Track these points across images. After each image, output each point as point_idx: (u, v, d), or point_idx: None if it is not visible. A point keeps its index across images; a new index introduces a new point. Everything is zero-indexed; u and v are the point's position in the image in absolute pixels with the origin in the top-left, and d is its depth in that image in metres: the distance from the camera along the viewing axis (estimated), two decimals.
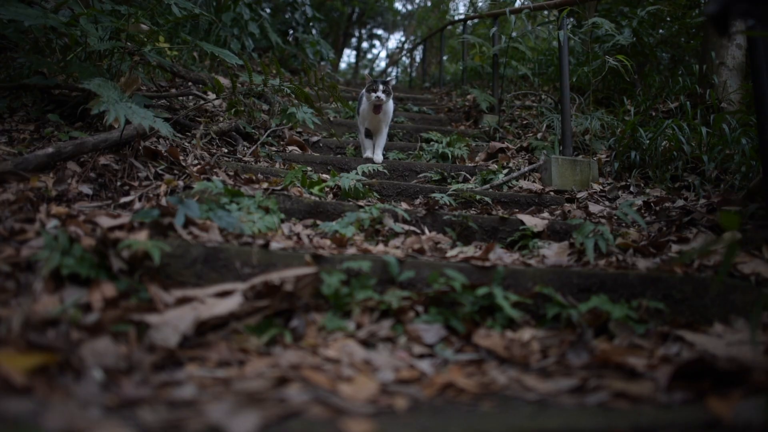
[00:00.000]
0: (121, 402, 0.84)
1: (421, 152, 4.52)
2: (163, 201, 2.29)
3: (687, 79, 4.90)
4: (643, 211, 2.87)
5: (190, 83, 4.74)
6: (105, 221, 1.78)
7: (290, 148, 4.24)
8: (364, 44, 17.78)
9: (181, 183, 2.54)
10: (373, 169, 3.32)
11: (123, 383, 0.91)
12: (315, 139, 4.61)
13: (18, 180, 2.25)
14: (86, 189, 2.41)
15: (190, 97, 4.41)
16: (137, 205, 2.30)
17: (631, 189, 3.47)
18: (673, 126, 3.62)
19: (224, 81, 4.60)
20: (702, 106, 4.15)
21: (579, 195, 3.37)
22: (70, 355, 0.97)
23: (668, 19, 5.86)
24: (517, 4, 8.98)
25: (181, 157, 2.97)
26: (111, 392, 0.86)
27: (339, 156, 4.22)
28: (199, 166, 2.91)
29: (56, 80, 3.37)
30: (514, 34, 6.66)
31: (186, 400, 0.89)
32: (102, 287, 1.40)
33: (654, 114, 4.62)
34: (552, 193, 3.40)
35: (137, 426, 0.77)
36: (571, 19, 6.18)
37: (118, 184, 2.54)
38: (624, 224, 2.64)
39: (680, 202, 2.87)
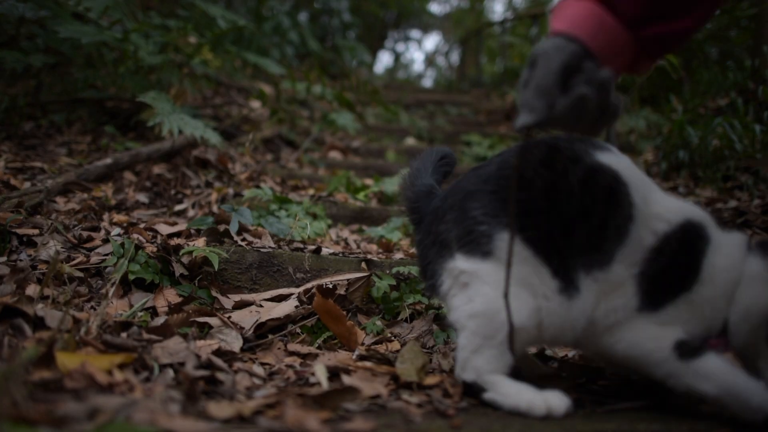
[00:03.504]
0: (195, 398, 0.90)
1: (461, 155, 4.52)
2: (215, 208, 2.38)
3: (737, 75, 4.74)
4: None
5: (233, 92, 4.89)
6: (164, 228, 1.87)
7: (331, 153, 4.31)
8: (400, 47, 17.86)
9: (230, 190, 2.63)
10: None
11: (192, 381, 0.97)
12: (356, 144, 4.67)
13: (81, 190, 2.38)
14: (142, 197, 2.52)
15: (234, 105, 4.55)
16: (190, 213, 2.40)
17: (680, 190, 3.38)
18: (724, 124, 3.51)
19: (267, 88, 4.72)
20: (754, 103, 4.01)
21: None
22: (144, 355, 1.03)
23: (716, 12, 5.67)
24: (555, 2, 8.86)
25: (229, 165, 3.07)
26: (184, 389, 0.91)
27: (380, 161, 4.26)
28: (246, 174, 3.00)
29: (109, 93, 3.54)
30: None
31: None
32: (165, 292, 1.48)
33: (703, 112, 4.48)
34: None
35: (210, 420, 0.83)
36: None
37: (172, 192, 2.65)
38: None
39: (733, 203, 2.79)
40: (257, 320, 1.31)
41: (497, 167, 1.05)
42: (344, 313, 1.40)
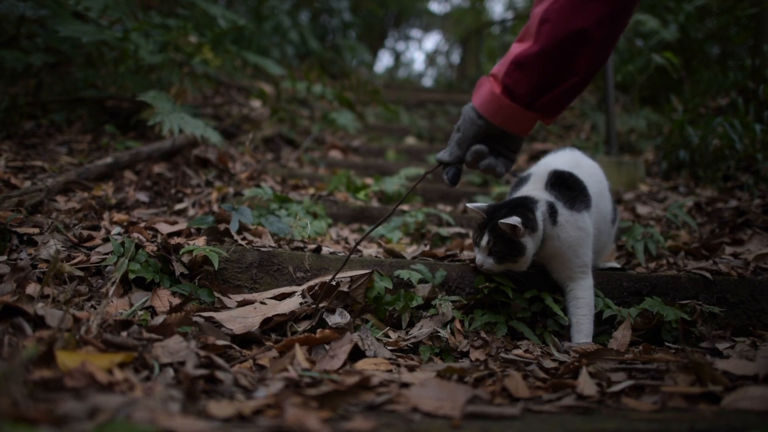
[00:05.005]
0: (195, 397, 0.89)
1: None
2: (215, 207, 2.38)
3: (738, 74, 4.74)
4: (693, 212, 2.79)
5: (233, 91, 4.88)
6: (164, 228, 1.87)
7: (332, 152, 4.31)
8: (401, 46, 17.84)
9: (231, 190, 2.63)
10: (416, 173, 3.34)
11: (192, 380, 0.97)
12: (356, 143, 4.67)
13: (81, 189, 2.37)
14: (143, 197, 2.52)
15: (234, 105, 4.54)
16: (191, 212, 2.39)
17: (680, 189, 3.38)
18: (724, 123, 3.51)
19: (267, 88, 4.72)
20: (755, 102, 4.00)
21: (626, 196, 3.31)
22: (145, 354, 1.03)
23: (716, 11, 5.67)
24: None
25: (229, 164, 3.07)
26: (184, 388, 0.91)
27: (380, 160, 4.26)
28: (247, 173, 3.00)
29: (109, 92, 3.54)
30: None
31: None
32: (165, 291, 1.48)
33: (703, 111, 4.48)
34: None
35: (210, 419, 0.83)
36: None
37: (172, 191, 2.65)
38: (674, 226, 2.58)
39: (733, 203, 2.78)
40: (264, 315, 1.32)
41: None
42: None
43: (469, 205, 1.58)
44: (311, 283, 1.52)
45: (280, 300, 1.46)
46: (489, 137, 1.29)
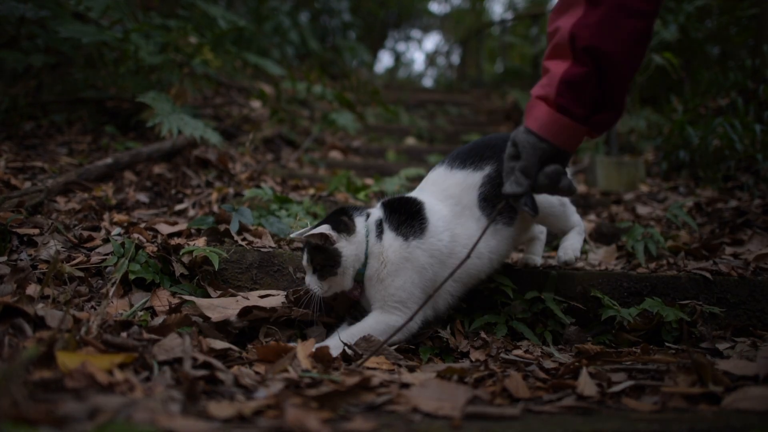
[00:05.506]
0: (195, 398, 0.89)
1: None
2: (215, 208, 2.38)
3: (738, 75, 4.74)
4: (693, 212, 2.79)
5: (233, 92, 4.89)
6: (164, 228, 1.87)
7: (332, 153, 4.31)
8: (401, 46, 17.84)
9: (231, 190, 2.63)
10: (417, 174, 3.34)
11: (192, 380, 0.97)
12: (356, 143, 4.67)
13: (81, 189, 2.38)
14: (143, 197, 2.52)
15: (235, 105, 4.55)
16: (191, 212, 2.40)
17: (681, 190, 3.38)
18: (724, 124, 3.51)
19: (267, 88, 4.72)
20: (755, 103, 4.00)
21: (626, 197, 3.31)
22: (145, 354, 1.03)
23: (716, 12, 5.67)
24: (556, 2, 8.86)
25: (229, 165, 3.07)
26: (184, 388, 0.91)
27: (380, 161, 4.26)
28: (247, 174, 3.00)
29: (109, 93, 3.54)
30: None
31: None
32: (165, 291, 1.48)
33: (703, 112, 4.48)
34: (598, 195, 3.35)
35: (210, 419, 0.83)
36: None
37: (173, 192, 2.65)
38: (674, 226, 2.58)
39: (733, 203, 2.78)
40: (243, 305, 1.34)
41: None
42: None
43: (293, 235, 1.47)
44: (298, 287, 1.53)
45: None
46: (549, 158, 1.25)
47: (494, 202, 1.50)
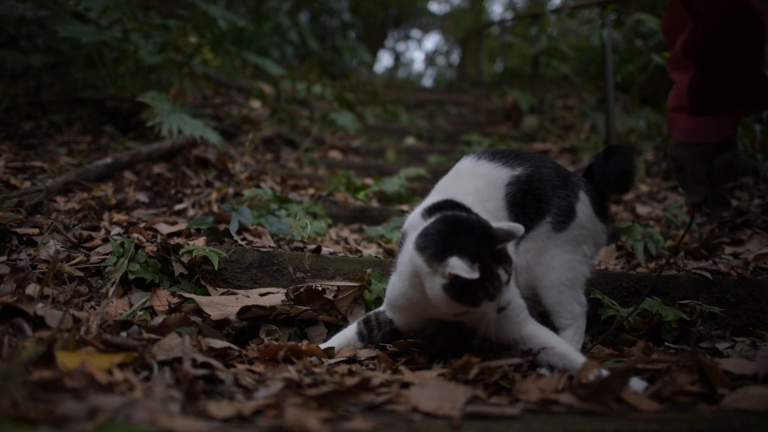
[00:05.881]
0: (195, 397, 0.89)
1: (461, 155, 4.51)
2: (215, 208, 2.38)
3: None
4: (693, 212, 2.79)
5: (233, 92, 4.89)
6: (164, 228, 1.87)
7: (331, 153, 4.31)
8: (400, 46, 17.84)
9: (231, 190, 2.63)
10: (416, 174, 3.34)
11: (192, 380, 0.97)
12: (356, 143, 4.67)
13: (81, 189, 2.37)
14: (142, 197, 2.52)
15: (234, 105, 4.54)
16: (191, 212, 2.39)
17: (680, 190, 3.38)
18: None
19: (267, 88, 4.72)
20: None
21: (625, 196, 3.31)
22: (144, 354, 1.03)
23: None
24: (556, 2, 8.87)
25: (229, 165, 3.07)
26: (184, 388, 0.91)
27: (380, 160, 4.26)
28: (246, 173, 3.00)
29: (109, 93, 3.54)
30: (555, 33, 6.58)
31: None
32: (165, 291, 1.48)
33: None
34: None
35: (209, 419, 0.83)
36: (612, 16, 6.05)
37: (172, 191, 2.65)
38: (674, 226, 2.58)
39: (733, 203, 2.78)
40: (243, 304, 1.33)
41: None
42: None
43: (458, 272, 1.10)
44: (299, 286, 1.53)
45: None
46: (713, 153, 1.27)
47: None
